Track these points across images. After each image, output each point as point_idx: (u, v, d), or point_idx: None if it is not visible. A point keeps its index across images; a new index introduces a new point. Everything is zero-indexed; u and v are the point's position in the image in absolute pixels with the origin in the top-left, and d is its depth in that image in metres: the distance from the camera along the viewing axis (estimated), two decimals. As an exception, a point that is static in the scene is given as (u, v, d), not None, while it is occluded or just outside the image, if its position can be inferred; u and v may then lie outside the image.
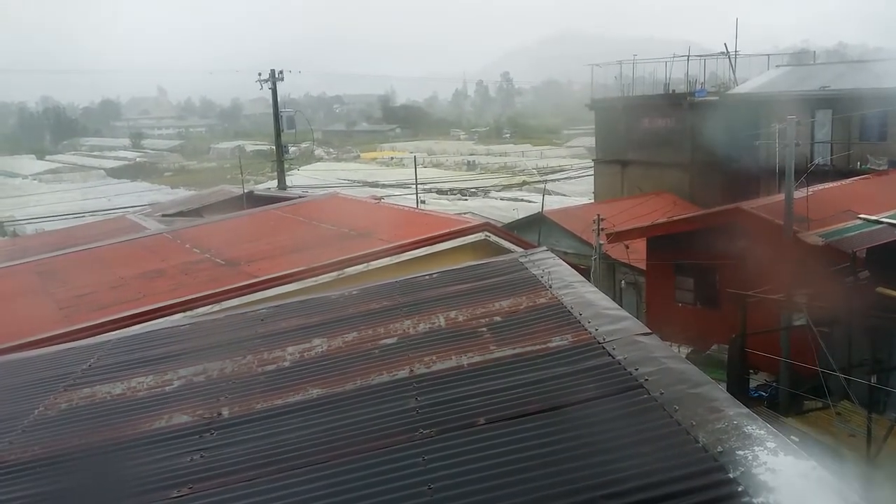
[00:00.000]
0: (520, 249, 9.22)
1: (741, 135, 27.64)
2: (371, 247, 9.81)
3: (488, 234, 10.72)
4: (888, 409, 14.56)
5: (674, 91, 37.06)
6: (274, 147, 36.72)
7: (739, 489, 3.05)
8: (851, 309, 14.47)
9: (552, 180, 55.12)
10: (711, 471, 3.21)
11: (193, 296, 8.07)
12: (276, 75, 35.79)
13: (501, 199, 60.64)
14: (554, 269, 6.50)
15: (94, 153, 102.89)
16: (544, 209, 31.75)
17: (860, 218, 16.46)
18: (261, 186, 38.01)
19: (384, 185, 60.91)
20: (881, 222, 15.98)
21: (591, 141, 50.36)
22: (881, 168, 26.90)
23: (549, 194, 42.19)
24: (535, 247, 9.44)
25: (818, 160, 27.28)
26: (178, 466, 3.97)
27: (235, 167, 45.10)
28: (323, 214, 13.18)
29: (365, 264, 9.20)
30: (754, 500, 2.96)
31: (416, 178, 42.57)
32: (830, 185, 21.90)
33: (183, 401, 4.87)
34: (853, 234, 16.04)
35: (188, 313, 7.36)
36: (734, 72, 37.13)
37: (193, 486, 3.75)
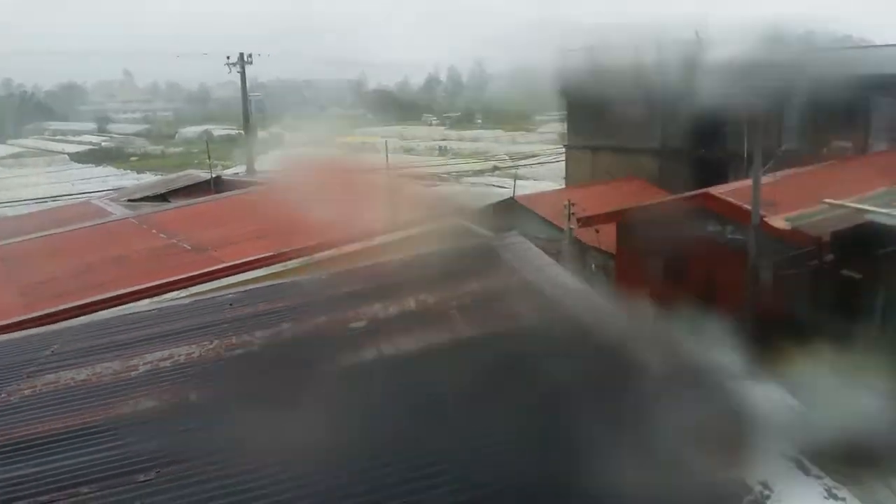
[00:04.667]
0: (491, 234, 9.20)
1: (711, 121, 27.84)
2: (340, 232, 9.70)
3: (460, 218, 10.65)
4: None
5: (644, 77, 37.15)
6: (242, 132, 36.30)
7: None
8: (817, 292, 14.68)
9: (524, 165, 55.07)
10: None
11: (160, 281, 7.95)
12: (245, 59, 35.34)
13: (473, 185, 60.57)
14: (525, 253, 6.52)
15: (59, 137, 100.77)
16: (516, 194, 31.76)
17: (826, 203, 16.65)
18: (229, 171, 37.52)
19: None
20: (846, 207, 16.19)
21: (562, 127, 50.38)
22: (847, 153, 27.28)
23: (521, 179, 42.20)
24: (506, 232, 9.42)
25: (786, 146, 27.56)
26: (145, 451, 3.93)
27: (203, 152, 44.47)
28: (292, 199, 13.01)
29: (334, 249, 9.11)
30: None
31: (386, 163, 42.25)
32: (798, 170, 22.15)
33: (149, 386, 4.82)
34: (819, 218, 16.23)
35: (154, 299, 7.26)
36: (704, 58, 37.26)
37: (161, 469, 3.72)
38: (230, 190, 16.36)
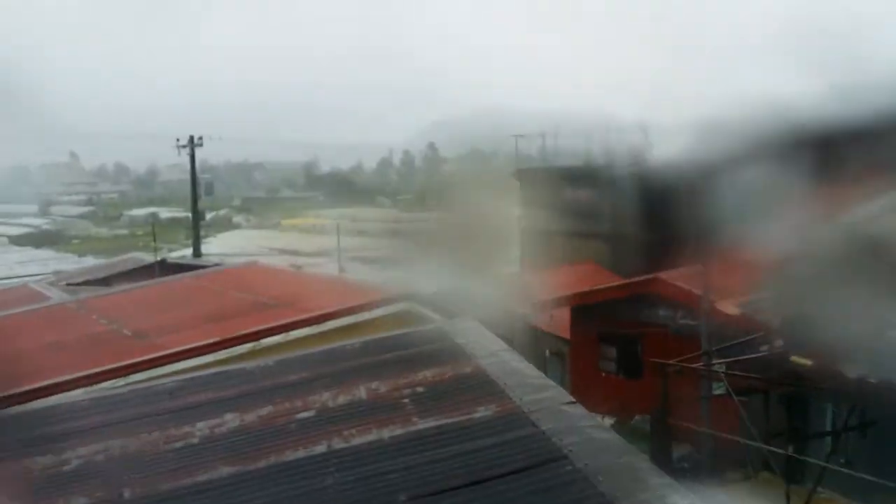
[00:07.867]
0: (444, 318, 9.09)
1: (657, 205, 28.47)
2: (290, 316, 9.51)
3: (412, 302, 10.54)
4: (806, 479, 14.72)
5: (593, 163, 38.01)
6: (190, 214, 36.04)
7: None
8: (768, 378, 14.74)
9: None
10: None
11: (96, 370, 7.60)
12: (195, 140, 35.39)
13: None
14: (478, 338, 6.41)
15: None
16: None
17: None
18: (174, 254, 36.91)
19: (306, 254, 59.94)
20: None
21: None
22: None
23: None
24: (459, 316, 9.32)
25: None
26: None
27: (148, 234, 43.85)
28: (240, 283, 12.79)
29: (283, 335, 8.91)
30: None
31: (338, 246, 42.16)
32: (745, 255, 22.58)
33: (81, 482, 4.53)
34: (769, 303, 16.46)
35: (90, 388, 6.92)
36: (649, 143, 38.35)
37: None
38: (176, 273, 16.05)
